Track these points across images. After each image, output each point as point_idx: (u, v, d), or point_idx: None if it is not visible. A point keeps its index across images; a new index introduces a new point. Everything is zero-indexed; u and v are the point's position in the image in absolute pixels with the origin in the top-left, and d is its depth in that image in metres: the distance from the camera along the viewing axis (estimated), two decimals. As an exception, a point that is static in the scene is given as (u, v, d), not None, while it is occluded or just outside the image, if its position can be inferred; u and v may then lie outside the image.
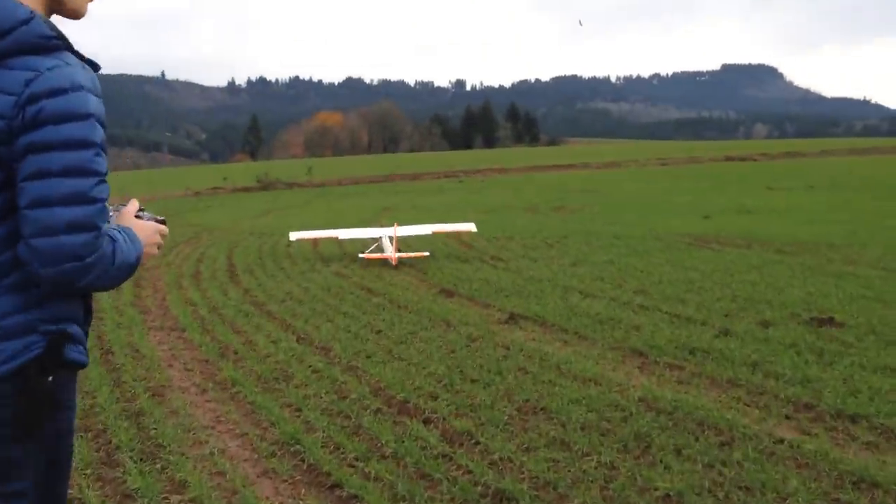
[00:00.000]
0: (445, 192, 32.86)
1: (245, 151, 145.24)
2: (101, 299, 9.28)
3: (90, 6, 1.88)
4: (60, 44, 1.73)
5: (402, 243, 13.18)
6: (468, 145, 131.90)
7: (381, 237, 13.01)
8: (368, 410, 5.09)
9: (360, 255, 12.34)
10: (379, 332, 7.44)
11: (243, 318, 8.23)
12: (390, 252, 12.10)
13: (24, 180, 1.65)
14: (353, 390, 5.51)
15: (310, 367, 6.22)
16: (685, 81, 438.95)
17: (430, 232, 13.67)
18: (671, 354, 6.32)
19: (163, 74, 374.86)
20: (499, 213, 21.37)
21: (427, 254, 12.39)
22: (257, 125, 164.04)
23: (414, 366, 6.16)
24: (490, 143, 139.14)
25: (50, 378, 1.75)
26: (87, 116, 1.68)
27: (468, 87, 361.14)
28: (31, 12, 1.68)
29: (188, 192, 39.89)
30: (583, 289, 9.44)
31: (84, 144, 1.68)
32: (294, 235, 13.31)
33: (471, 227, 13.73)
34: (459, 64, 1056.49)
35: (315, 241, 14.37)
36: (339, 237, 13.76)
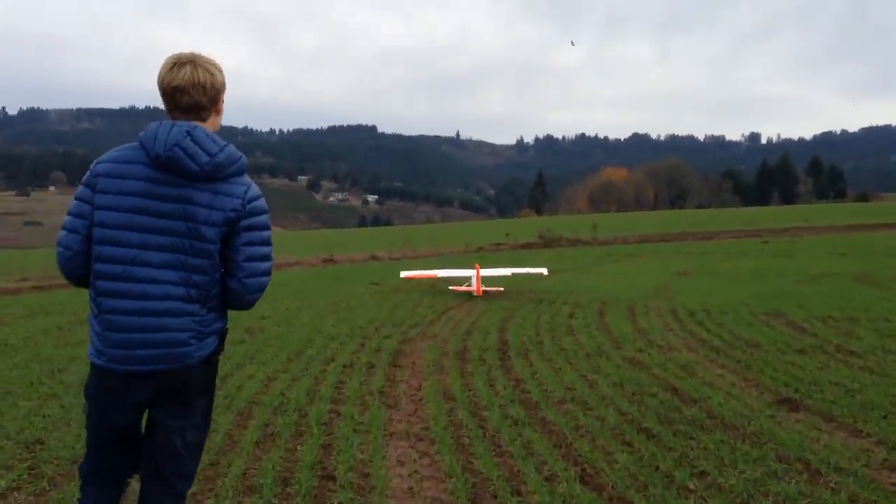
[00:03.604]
0: (748, 256, 28.98)
1: (531, 206, 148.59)
2: (370, 384, 7.78)
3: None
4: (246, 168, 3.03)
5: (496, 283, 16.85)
6: (763, 202, 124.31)
7: (470, 276, 16.60)
8: None
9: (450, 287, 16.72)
10: (702, 474, 5.01)
11: (510, 428, 6.15)
12: (473, 286, 15.85)
13: (242, 246, 2.93)
14: None
15: (601, 544, 3.97)
16: None
17: (509, 273, 17.79)
18: None
19: (457, 134, 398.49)
20: (824, 284, 17.60)
21: (502, 289, 16.33)
22: (542, 181, 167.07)
23: (776, 566, 3.69)
24: (788, 198, 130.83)
25: (218, 358, 3.10)
26: (267, 211, 3.01)
27: (763, 141, 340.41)
28: (240, 152, 2.95)
29: (469, 248, 39.42)
30: None
31: (268, 227, 3.01)
32: (404, 274, 17.23)
33: (543, 271, 18.55)
34: (753, 117, 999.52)
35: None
36: (438, 275, 17.30)
